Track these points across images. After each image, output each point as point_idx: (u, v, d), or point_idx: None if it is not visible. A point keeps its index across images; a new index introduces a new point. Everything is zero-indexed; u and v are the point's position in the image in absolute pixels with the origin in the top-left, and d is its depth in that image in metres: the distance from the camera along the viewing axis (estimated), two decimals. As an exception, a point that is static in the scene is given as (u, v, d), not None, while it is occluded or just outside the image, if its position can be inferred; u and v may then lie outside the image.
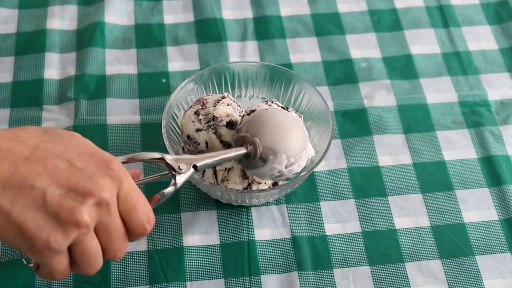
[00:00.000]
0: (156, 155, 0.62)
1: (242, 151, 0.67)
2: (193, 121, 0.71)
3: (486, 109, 0.84)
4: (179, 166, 0.62)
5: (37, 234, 0.51)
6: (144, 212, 0.56)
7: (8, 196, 0.51)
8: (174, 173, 0.62)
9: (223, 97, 0.72)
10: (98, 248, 0.55)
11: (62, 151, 0.53)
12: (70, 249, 0.54)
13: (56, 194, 0.51)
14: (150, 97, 0.83)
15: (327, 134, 0.74)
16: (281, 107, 0.75)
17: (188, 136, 0.72)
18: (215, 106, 0.71)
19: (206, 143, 0.71)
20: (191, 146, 0.72)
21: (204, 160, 0.64)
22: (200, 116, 0.71)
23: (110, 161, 0.54)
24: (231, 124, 0.71)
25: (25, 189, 0.51)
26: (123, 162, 0.60)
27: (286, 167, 0.68)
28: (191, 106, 0.73)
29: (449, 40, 0.91)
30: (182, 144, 0.75)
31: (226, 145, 0.71)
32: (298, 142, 0.68)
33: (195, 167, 0.63)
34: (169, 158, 0.62)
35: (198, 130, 0.71)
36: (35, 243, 0.51)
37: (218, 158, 0.65)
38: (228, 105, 0.72)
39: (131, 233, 0.56)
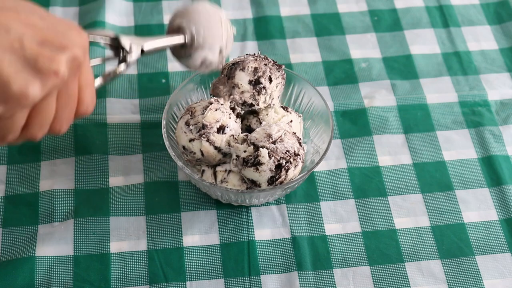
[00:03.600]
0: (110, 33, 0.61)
1: (180, 40, 0.67)
2: (185, 132, 0.71)
3: (486, 109, 0.84)
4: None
5: (15, 78, 0.47)
6: (93, 91, 0.55)
7: None
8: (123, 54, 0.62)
9: (211, 103, 0.72)
10: (54, 111, 0.52)
11: (30, 9, 0.51)
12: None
13: (33, 41, 0.49)
14: (150, 97, 0.83)
15: (327, 134, 0.74)
16: (281, 107, 0.75)
17: (183, 147, 0.71)
18: (203, 113, 0.71)
19: (201, 151, 0.70)
20: (188, 155, 0.72)
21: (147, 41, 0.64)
22: (191, 126, 0.70)
23: (79, 29, 0.52)
24: (222, 129, 0.70)
25: (0, 31, 0.48)
26: None
27: (218, 53, 0.68)
28: (181, 117, 0.73)
29: (449, 40, 0.91)
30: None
31: (221, 151, 0.71)
32: (224, 32, 0.68)
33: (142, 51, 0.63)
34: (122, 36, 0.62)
35: (191, 140, 0.71)
36: (11, 88, 0.47)
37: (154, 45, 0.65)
38: (216, 110, 0.71)
39: (78, 107, 0.54)
